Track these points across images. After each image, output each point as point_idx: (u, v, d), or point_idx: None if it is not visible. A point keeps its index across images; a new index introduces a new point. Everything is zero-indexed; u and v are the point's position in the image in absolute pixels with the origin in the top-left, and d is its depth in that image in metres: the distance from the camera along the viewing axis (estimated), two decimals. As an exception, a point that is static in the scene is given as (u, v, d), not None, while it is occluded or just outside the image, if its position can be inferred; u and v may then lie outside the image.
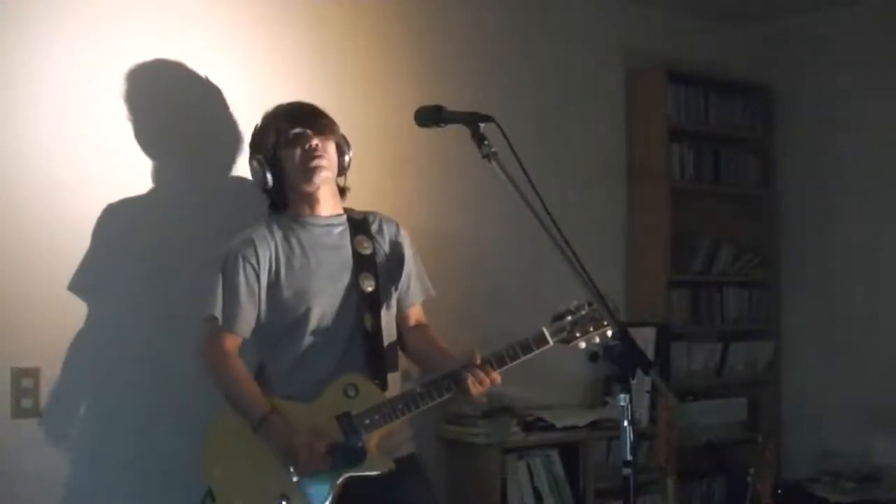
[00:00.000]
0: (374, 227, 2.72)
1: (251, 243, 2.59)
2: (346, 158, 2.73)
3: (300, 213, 2.66)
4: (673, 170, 4.31)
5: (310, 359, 2.58)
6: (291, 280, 2.58)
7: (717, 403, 4.37)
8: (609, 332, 2.43)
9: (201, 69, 3.08)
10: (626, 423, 1.92)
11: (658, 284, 4.22)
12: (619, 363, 1.96)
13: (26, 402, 2.77)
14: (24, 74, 2.80)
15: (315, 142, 2.60)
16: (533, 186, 2.04)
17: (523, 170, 2.08)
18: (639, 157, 4.33)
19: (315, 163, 2.60)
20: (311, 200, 2.65)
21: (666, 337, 4.07)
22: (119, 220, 2.94)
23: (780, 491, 3.91)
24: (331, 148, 2.65)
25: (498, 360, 2.48)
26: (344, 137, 2.74)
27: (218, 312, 2.57)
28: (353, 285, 2.61)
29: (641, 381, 3.58)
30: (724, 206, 4.66)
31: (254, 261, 2.58)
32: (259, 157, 2.68)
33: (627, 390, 1.93)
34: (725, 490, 4.27)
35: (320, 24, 3.38)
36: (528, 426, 3.58)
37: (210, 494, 2.53)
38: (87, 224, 2.89)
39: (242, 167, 3.08)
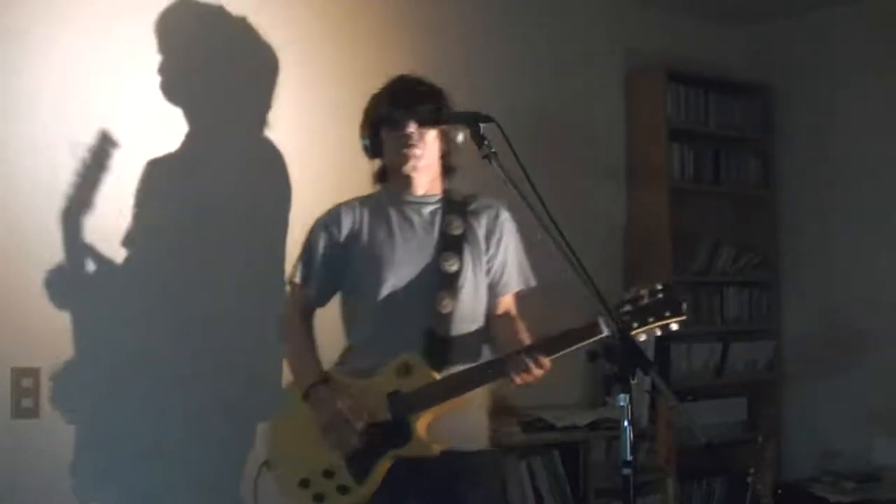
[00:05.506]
0: (471, 209, 2.59)
1: (337, 213, 2.58)
2: (457, 139, 2.57)
3: (394, 190, 2.60)
4: (673, 170, 4.31)
5: (379, 333, 2.51)
6: (371, 251, 2.53)
7: (717, 403, 4.37)
8: (674, 326, 2.27)
9: (199, 64, 3.09)
10: (626, 423, 1.92)
11: (658, 284, 4.21)
12: (619, 363, 1.95)
13: (26, 402, 2.77)
14: (23, 74, 2.81)
15: (411, 129, 2.48)
16: (533, 186, 2.04)
17: (523, 170, 2.07)
18: (639, 157, 4.33)
19: (406, 151, 2.51)
20: (406, 180, 2.56)
21: (666, 337, 4.07)
22: (119, 219, 2.95)
23: (780, 491, 3.92)
24: (430, 136, 2.52)
25: (546, 349, 2.36)
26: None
27: (297, 278, 2.58)
28: (434, 264, 2.52)
29: (641, 381, 3.59)
30: (724, 206, 4.67)
31: (335, 229, 2.56)
32: (363, 129, 2.62)
33: (627, 390, 1.93)
34: (725, 490, 4.27)
35: (318, 21, 3.38)
36: (528, 426, 3.58)
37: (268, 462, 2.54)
38: (87, 224, 2.89)
39: (241, 164, 3.10)
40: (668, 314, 2.25)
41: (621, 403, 1.93)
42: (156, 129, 3.02)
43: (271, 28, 3.24)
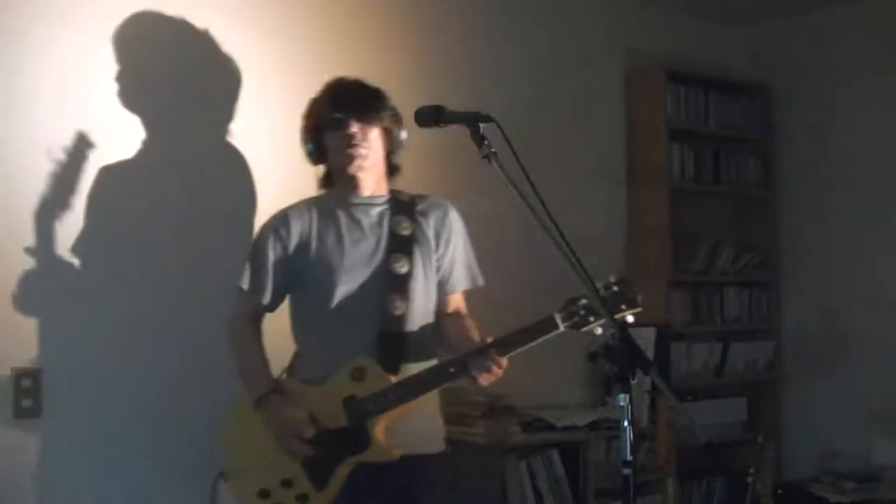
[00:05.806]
0: (419, 209, 2.61)
1: (285, 218, 2.57)
2: (400, 137, 2.61)
3: (341, 193, 2.60)
4: (673, 170, 4.31)
5: (331, 339, 2.50)
6: (321, 255, 2.53)
7: (717, 403, 4.37)
8: (630, 318, 2.32)
9: (194, 66, 3.09)
10: (626, 423, 1.92)
11: (658, 284, 4.22)
12: (619, 363, 1.95)
13: (26, 402, 2.77)
14: (23, 74, 2.81)
15: (354, 129, 2.51)
16: (533, 186, 2.04)
17: (523, 170, 2.07)
18: (639, 158, 4.33)
19: (350, 151, 2.51)
20: (351, 181, 2.57)
21: (666, 337, 4.07)
22: (119, 218, 2.95)
23: (780, 491, 3.92)
24: (373, 134, 2.54)
25: (504, 347, 2.37)
26: (396, 116, 2.61)
27: (244, 284, 2.56)
28: (383, 266, 2.53)
29: (641, 381, 3.59)
30: (724, 206, 4.67)
31: (284, 233, 2.54)
32: (305, 133, 2.63)
33: (627, 390, 1.93)
34: (725, 490, 4.27)
35: (318, 20, 3.38)
36: (528, 426, 3.58)
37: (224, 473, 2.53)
38: (87, 224, 2.89)
39: (234, 163, 3.10)
40: (623, 307, 2.32)
41: (621, 403, 1.93)
42: (156, 128, 3.02)
43: (272, 28, 3.25)
